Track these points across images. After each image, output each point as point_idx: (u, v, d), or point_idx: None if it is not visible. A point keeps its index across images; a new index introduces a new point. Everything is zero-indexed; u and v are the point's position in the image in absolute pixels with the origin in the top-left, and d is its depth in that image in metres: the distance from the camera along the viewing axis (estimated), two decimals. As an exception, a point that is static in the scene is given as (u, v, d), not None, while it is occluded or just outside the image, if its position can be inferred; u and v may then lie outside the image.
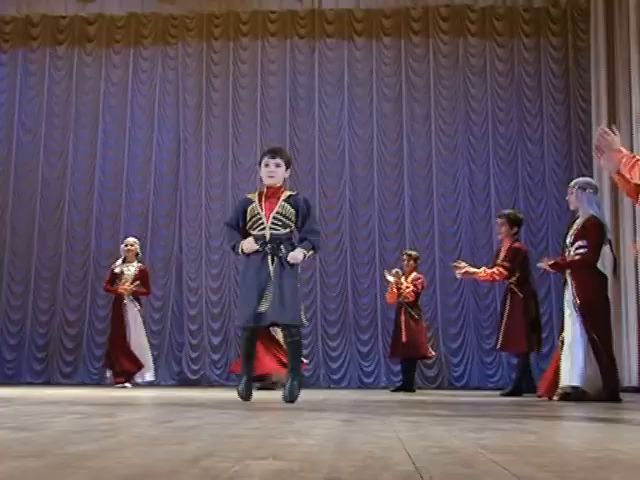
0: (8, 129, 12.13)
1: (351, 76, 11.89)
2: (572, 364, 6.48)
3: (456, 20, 11.87)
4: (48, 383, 11.16)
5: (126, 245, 10.01)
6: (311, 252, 5.44)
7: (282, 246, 5.31)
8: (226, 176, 11.74)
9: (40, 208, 11.91)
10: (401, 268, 9.55)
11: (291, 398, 5.24)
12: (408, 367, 9.54)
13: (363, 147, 11.74)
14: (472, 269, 8.34)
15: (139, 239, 10.30)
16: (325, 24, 12.01)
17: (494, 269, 8.20)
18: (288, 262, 5.27)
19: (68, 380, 11.29)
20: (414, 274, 9.49)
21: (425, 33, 11.92)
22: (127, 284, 9.79)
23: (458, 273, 8.39)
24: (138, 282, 9.86)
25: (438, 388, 10.82)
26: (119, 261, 10.00)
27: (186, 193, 11.73)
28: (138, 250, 10.07)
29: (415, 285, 9.36)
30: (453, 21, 11.89)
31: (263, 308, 5.18)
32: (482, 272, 8.27)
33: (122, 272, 9.91)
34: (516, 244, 8.37)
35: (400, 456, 1.84)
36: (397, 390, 9.30)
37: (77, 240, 11.86)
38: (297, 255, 5.28)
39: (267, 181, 5.50)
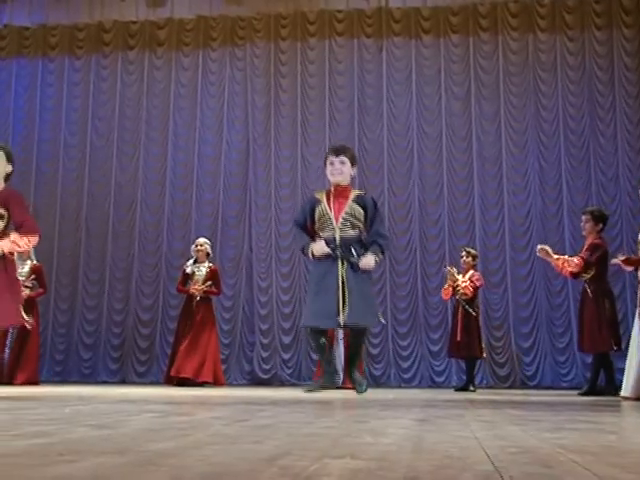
0: (82, 134, 12.40)
1: (419, 74, 11.84)
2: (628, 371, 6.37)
3: (525, 16, 11.73)
4: (123, 382, 11.37)
5: (197, 246, 10.07)
6: (381, 256, 5.40)
7: (353, 249, 5.26)
8: (295, 176, 11.80)
9: (113, 210, 12.14)
10: (459, 265, 9.50)
11: (361, 389, 5.24)
12: (467, 366, 9.49)
13: (432, 146, 11.67)
14: (552, 252, 8.10)
15: (209, 239, 10.38)
16: (392, 22, 11.98)
17: (573, 257, 8.03)
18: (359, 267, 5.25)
19: (142, 379, 11.48)
20: (471, 271, 9.40)
21: (494, 30, 11.79)
22: (198, 285, 9.87)
23: (539, 249, 8.14)
24: (210, 282, 9.93)
25: (510, 387, 10.69)
26: (190, 261, 10.08)
27: (255, 193, 11.82)
28: (209, 250, 10.12)
29: (472, 281, 9.27)
30: (522, 17, 11.74)
31: (337, 311, 5.16)
32: (559, 258, 8.04)
33: (193, 272, 9.98)
34: (597, 240, 8.20)
35: (478, 456, 1.83)
36: (460, 389, 9.23)
37: (149, 241, 12.05)
38: (370, 262, 5.24)
39: (333, 179, 5.47)
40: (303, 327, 5.44)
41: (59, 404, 4.47)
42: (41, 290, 9.69)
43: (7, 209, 5.57)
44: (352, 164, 5.53)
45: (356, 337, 5.35)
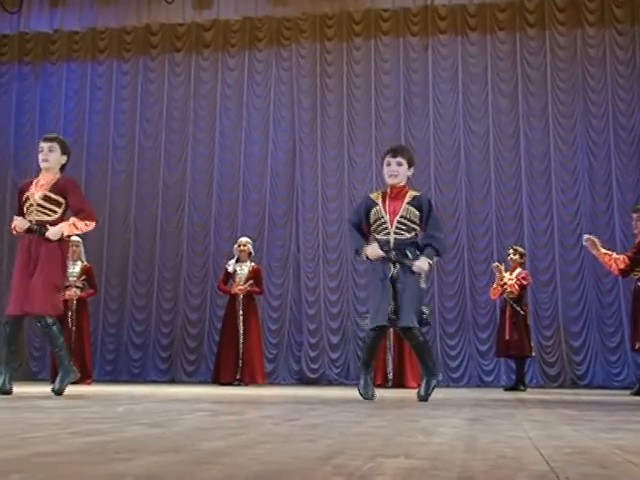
0: (130, 136, 12.53)
1: (465, 72, 11.76)
2: None
3: (573, 10, 11.58)
4: (172, 381, 11.46)
5: (239, 245, 10.12)
6: (435, 260, 5.38)
7: (408, 252, 5.24)
8: (342, 176, 11.79)
9: (161, 211, 12.25)
10: (506, 264, 9.41)
11: (424, 396, 5.22)
12: (516, 365, 9.41)
13: (479, 143, 11.58)
14: (599, 245, 7.92)
15: (252, 239, 10.42)
16: (438, 20, 11.91)
17: (619, 256, 7.89)
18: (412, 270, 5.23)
19: (191, 378, 11.56)
20: (519, 269, 9.31)
21: (541, 25, 11.66)
22: (241, 284, 9.92)
23: (587, 238, 7.98)
24: (251, 282, 9.97)
25: (560, 387, 10.57)
26: (232, 261, 10.13)
27: (302, 193, 11.84)
28: (251, 250, 10.16)
29: (519, 280, 9.18)
30: (570, 11, 11.60)
31: (390, 312, 5.15)
32: (606, 254, 7.86)
33: (235, 271, 10.03)
34: (648, 238, 8.04)
35: (532, 456, 1.81)
36: (509, 389, 9.15)
37: (197, 241, 12.13)
38: (422, 266, 5.20)
39: (390, 180, 5.42)
40: (369, 330, 5.38)
41: (111, 403, 4.52)
42: (91, 291, 9.81)
43: (65, 197, 5.75)
44: (409, 165, 5.48)
45: (410, 339, 5.33)
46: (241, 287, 9.86)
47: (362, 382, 5.41)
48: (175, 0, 11.83)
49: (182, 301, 11.98)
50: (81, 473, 1.46)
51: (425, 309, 5.34)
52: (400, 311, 5.15)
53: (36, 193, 5.73)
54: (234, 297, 9.94)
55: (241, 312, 9.86)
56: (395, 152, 5.49)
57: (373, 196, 5.55)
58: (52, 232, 5.61)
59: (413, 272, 5.21)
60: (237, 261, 10.09)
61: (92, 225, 5.86)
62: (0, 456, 1.70)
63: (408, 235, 5.29)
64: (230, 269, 10.02)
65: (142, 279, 12.19)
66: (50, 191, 5.71)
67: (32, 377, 11.63)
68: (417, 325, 5.24)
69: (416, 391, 5.61)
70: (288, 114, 12.13)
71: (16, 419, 3.01)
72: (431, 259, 5.27)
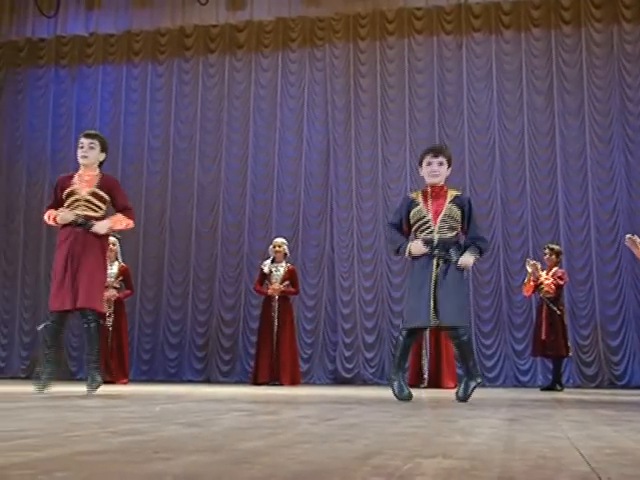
0: (165, 137, 12.62)
1: (500, 70, 11.68)
2: None
3: (609, 6, 11.46)
4: (208, 381, 11.52)
5: (274, 246, 10.15)
6: (478, 257, 5.38)
7: (451, 251, 5.24)
8: (376, 175, 11.78)
9: (196, 211, 12.32)
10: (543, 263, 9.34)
11: (463, 397, 5.20)
12: (553, 365, 9.33)
13: (514, 142, 11.50)
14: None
15: (287, 239, 10.45)
16: (472, 18, 11.85)
17: None
18: (457, 266, 5.22)
19: (226, 378, 11.61)
20: (555, 268, 9.23)
21: (576, 22, 11.55)
22: (276, 284, 9.94)
23: (628, 237, 7.87)
24: (287, 282, 10.00)
25: (597, 387, 10.47)
26: (268, 261, 10.16)
27: (337, 193, 11.84)
28: (286, 250, 10.19)
29: (555, 279, 9.09)
30: (606, 8, 11.48)
31: (432, 311, 5.14)
32: None
33: (271, 272, 10.06)
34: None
35: (573, 456, 1.80)
36: (546, 389, 9.08)
37: (231, 242, 12.18)
38: (468, 261, 5.22)
39: (430, 180, 5.43)
40: (403, 329, 5.36)
41: (149, 402, 4.55)
42: (128, 291, 9.90)
43: (110, 194, 5.82)
44: (449, 165, 5.50)
45: (454, 338, 5.31)
46: (276, 288, 9.89)
47: (396, 384, 5.37)
48: (209, 2, 11.88)
49: (217, 301, 12.03)
50: (122, 472, 1.47)
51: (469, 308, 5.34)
52: (444, 310, 5.13)
53: (82, 189, 5.78)
54: (269, 298, 9.97)
55: (276, 313, 9.89)
56: (436, 152, 5.50)
57: (413, 195, 5.55)
58: (100, 225, 5.68)
59: (457, 270, 5.23)
60: (272, 262, 10.12)
61: (132, 224, 5.94)
62: (44, 454, 1.72)
63: (451, 234, 5.31)
64: (266, 270, 10.05)
65: (177, 280, 12.26)
66: (97, 187, 5.78)
67: (71, 377, 11.75)
68: (463, 324, 5.24)
69: (453, 391, 5.58)
70: (322, 114, 12.13)
71: (58, 418, 3.04)
72: (476, 256, 5.28)
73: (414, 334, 5.41)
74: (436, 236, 5.28)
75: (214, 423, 2.84)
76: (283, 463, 1.64)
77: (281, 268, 10.05)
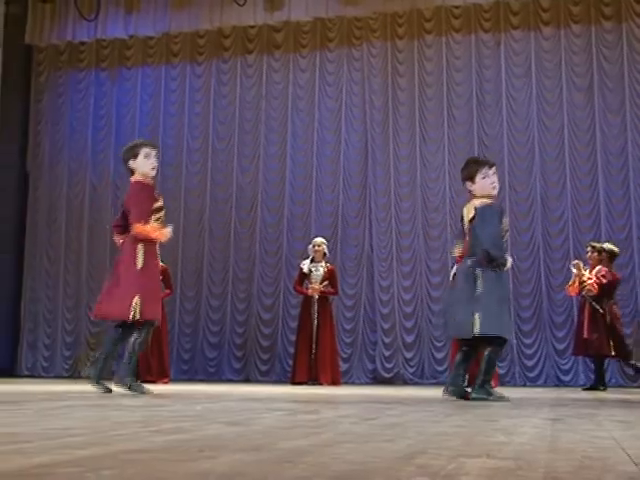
0: (204, 138, 12.69)
1: (539, 67, 11.58)
2: None
3: (651, 2, 11.31)
4: (247, 380, 11.57)
5: (314, 246, 10.17)
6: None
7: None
8: (414, 175, 11.74)
9: (235, 212, 12.37)
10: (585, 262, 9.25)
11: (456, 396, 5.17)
12: (595, 365, 9.24)
13: (554, 140, 11.40)
14: None
15: (326, 239, 10.46)
16: (510, 15, 11.76)
17: None
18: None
19: (265, 378, 11.65)
20: (599, 267, 9.13)
21: (617, 18, 11.41)
22: (316, 284, 9.96)
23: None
24: (327, 282, 10.01)
25: (641, 387, 10.35)
26: (307, 261, 10.18)
27: (375, 192, 11.82)
28: (326, 250, 10.21)
29: (598, 278, 9.00)
30: (648, 3, 11.33)
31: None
32: None
33: (310, 272, 10.08)
34: None
35: (619, 456, 1.78)
36: (588, 389, 8.99)
37: (270, 242, 12.22)
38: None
39: (493, 192, 5.39)
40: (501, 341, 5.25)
41: (190, 401, 4.59)
42: (168, 291, 9.97)
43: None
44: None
45: (488, 350, 5.32)
46: (316, 288, 9.91)
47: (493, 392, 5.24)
48: (247, 3, 11.93)
49: (255, 301, 12.08)
50: (168, 470, 1.49)
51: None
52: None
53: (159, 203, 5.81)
54: (309, 298, 10.00)
55: (315, 313, 9.92)
56: (492, 164, 5.48)
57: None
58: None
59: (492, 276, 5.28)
60: (312, 261, 10.14)
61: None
62: (90, 453, 1.74)
63: None
64: (305, 269, 10.08)
65: (216, 279, 12.33)
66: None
67: (112, 376, 11.86)
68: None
69: (499, 390, 5.53)
70: (360, 114, 12.12)
71: (101, 417, 3.08)
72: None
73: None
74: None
75: (255, 422, 2.85)
76: (327, 462, 1.64)
77: (320, 268, 10.07)
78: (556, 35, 11.59)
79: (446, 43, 11.94)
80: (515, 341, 10.93)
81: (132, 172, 5.81)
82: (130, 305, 5.48)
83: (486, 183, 5.34)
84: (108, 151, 12.99)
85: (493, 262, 5.14)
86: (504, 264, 5.24)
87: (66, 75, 13.44)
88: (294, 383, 9.73)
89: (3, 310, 12.70)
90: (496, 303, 5.19)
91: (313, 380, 9.69)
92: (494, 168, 5.41)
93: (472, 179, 5.37)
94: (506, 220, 5.41)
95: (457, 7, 11.92)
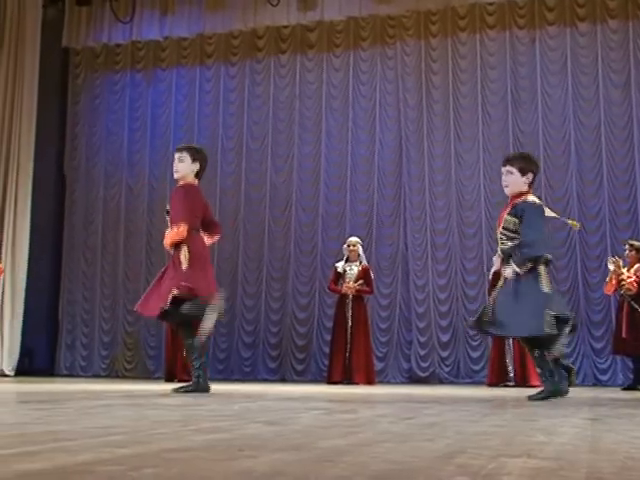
0: (238, 138, 12.74)
1: (575, 64, 11.47)
2: None
3: (690, -5, 11.16)
4: (282, 380, 11.59)
5: (348, 245, 10.18)
6: (523, 267, 5.16)
7: (511, 260, 5.18)
8: (449, 173, 11.69)
9: (269, 211, 12.40)
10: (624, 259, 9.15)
11: (532, 398, 5.13)
12: (634, 364, 9.13)
13: (590, 137, 11.28)
14: None
15: (361, 238, 10.45)
16: (545, 12, 11.67)
17: None
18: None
19: (301, 377, 11.66)
20: (637, 265, 9.03)
21: (656, 12, 11.28)
22: (350, 283, 9.97)
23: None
24: (361, 281, 10.01)
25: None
26: (341, 262, 10.21)
27: (410, 191, 11.79)
28: (360, 250, 10.21)
29: (637, 276, 8.89)
30: (685, -3, 11.18)
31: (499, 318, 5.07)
32: None
33: (345, 271, 10.09)
34: None
35: (661, 457, 1.76)
36: (627, 388, 8.89)
37: (304, 241, 12.23)
38: (508, 274, 5.17)
39: (505, 191, 5.35)
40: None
41: (227, 401, 4.61)
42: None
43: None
44: (522, 173, 5.29)
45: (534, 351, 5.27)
46: (351, 286, 9.92)
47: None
48: (280, 3, 11.96)
49: (290, 300, 12.10)
50: (210, 469, 1.50)
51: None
52: (514, 319, 5.12)
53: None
54: (343, 297, 10.02)
55: (350, 312, 9.92)
56: (504, 162, 5.37)
57: None
58: None
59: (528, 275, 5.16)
60: (346, 261, 10.15)
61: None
62: (131, 451, 1.76)
63: (510, 243, 5.21)
64: (339, 269, 10.10)
65: (251, 279, 12.37)
66: None
67: (149, 375, 11.97)
68: (540, 332, 5.18)
69: (539, 389, 5.49)
70: (394, 112, 12.10)
71: (140, 416, 3.10)
72: (519, 267, 5.15)
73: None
74: (499, 246, 5.30)
75: (294, 421, 2.86)
76: (366, 462, 1.64)
77: (355, 267, 10.08)
78: (592, 31, 11.47)
79: (480, 40, 11.87)
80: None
81: None
82: (166, 297, 5.54)
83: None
84: (144, 152, 13.10)
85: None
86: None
87: (102, 77, 13.56)
88: (330, 383, 9.74)
89: (42, 311, 12.83)
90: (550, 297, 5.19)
91: (348, 380, 9.69)
92: (508, 167, 5.30)
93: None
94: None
95: (491, 4, 11.85)
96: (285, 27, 12.69)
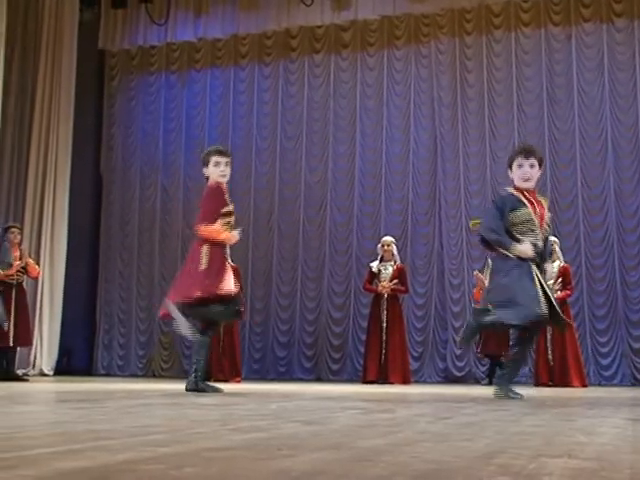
0: (272, 138, 12.77)
1: (611, 60, 11.34)
2: None
3: None
4: (318, 379, 11.60)
5: (383, 245, 10.18)
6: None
7: (547, 256, 5.19)
8: (484, 171, 11.62)
9: (304, 211, 12.41)
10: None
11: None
12: None
13: (628, 134, 11.15)
14: None
15: (396, 238, 10.43)
16: (581, 8, 11.55)
17: None
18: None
19: (337, 377, 11.66)
20: None
21: (695, 7, 11.12)
22: (385, 283, 9.96)
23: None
24: (396, 281, 10.00)
25: None
26: (375, 262, 10.21)
27: (445, 190, 11.74)
28: (394, 250, 10.20)
29: None
30: None
31: (543, 308, 5.00)
32: None
33: (379, 271, 10.09)
34: None
35: None
36: None
37: (339, 241, 12.23)
38: (550, 271, 5.18)
39: (522, 185, 5.23)
40: (515, 325, 5.14)
41: (264, 400, 4.63)
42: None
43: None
44: (540, 166, 5.32)
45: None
46: (386, 285, 9.91)
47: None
48: (314, 3, 11.97)
49: (325, 300, 12.11)
50: (250, 468, 1.51)
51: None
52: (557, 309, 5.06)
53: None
54: (379, 296, 10.01)
55: (385, 311, 9.91)
56: (528, 153, 5.28)
57: (516, 194, 5.29)
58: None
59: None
60: (381, 261, 10.14)
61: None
62: (171, 450, 1.77)
63: (550, 238, 5.26)
64: (374, 269, 10.10)
65: (286, 279, 12.39)
66: None
67: (185, 375, 12.02)
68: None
69: (579, 390, 5.46)
70: (428, 111, 12.05)
71: (179, 415, 3.13)
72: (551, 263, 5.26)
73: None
74: (541, 242, 5.15)
75: (331, 421, 2.87)
76: (406, 461, 1.64)
77: (390, 267, 10.07)
78: (629, 27, 11.34)
79: (515, 38, 11.78)
80: (589, 340, 10.75)
81: (207, 177, 5.99)
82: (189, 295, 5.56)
83: (517, 173, 5.26)
84: (179, 153, 13.18)
85: (495, 241, 5.21)
86: (500, 244, 5.19)
87: (137, 79, 13.68)
88: (365, 382, 9.73)
89: (80, 312, 12.97)
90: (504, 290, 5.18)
91: (383, 379, 9.68)
92: (532, 160, 5.25)
93: (510, 167, 5.32)
94: (525, 210, 5.25)
95: (526, 1, 11.77)
96: (319, 27, 12.70)
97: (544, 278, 5.14)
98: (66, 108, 12.39)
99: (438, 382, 11.04)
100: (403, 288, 10.09)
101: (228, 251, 5.96)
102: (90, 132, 13.38)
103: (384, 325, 9.89)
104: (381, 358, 9.81)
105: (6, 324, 8.13)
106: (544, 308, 4.97)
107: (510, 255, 5.10)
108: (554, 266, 9.38)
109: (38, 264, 10.58)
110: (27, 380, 9.46)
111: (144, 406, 3.86)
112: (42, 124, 12.26)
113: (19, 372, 10.05)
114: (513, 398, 5.06)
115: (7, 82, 11.60)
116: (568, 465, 1.57)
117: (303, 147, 12.60)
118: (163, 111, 13.44)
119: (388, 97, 12.26)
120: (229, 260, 9.85)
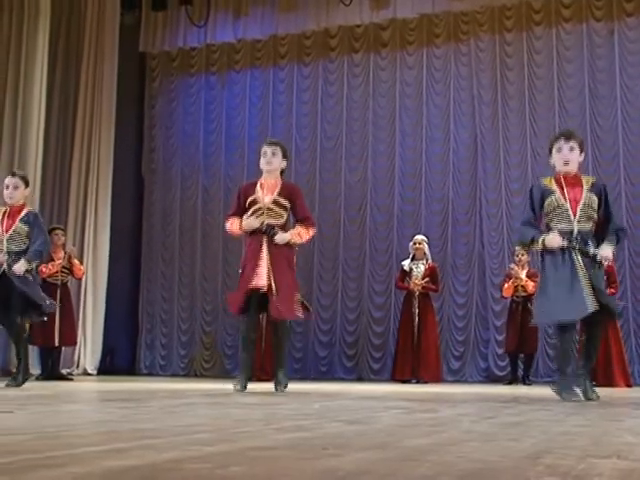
0: (312, 138, 12.78)
1: (656, 55, 11.19)
2: None
3: None
4: (359, 379, 11.59)
5: (414, 243, 10.21)
6: (615, 248, 5.10)
7: (590, 242, 4.98)
8: (525, 169, 11.52)
9: (344, 211, 12.41)
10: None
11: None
12: None
13: (674, 129, 10.99)
14: None
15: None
16: (624, 2, 11.39)
17: None
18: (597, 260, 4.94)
19: (378, 376, 11.64)
20: None
21: None
22: (417, 280, 10.00)
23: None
24: (427, 279, 10.01)
25: None
26: (407, 261, 10.23)
27: (485, 189, 11.66)
28: (426, 249, 10.21)
29: None
30: None
31: (580, 302, 4.84)
32: None
33: (411, 269, 10.12)
34: None
35: None
36: None
37: (380, 240, 12.21)
38: (609, 254, 4.96)
39: (561, 168, 5.17)
40: (543, 324, 5.11)
41: (307, 400, 4.63)
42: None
43: (291, 202, 5.94)
44: (581, 150, 5.22)
45: (599, 331, 5.11)
46: (417, 282, 9.95)
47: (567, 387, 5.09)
48: (352, 2, 11.96)
49: (366, 299, 12.09)
50: (295, 468, 1.51)
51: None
52: (598, 297, 4.85)
53: (265, 197, 5.90)
54: (410, 294, 10.06)
55: (417, 309, 9.94)
56: (567, 136, 5.21)
57: (546, 182, 5.24)
58: (280, 237, 5.77)
59: (595, 262, 4.95)
60: (413, 259, 10.18)
61: (313, 233, 6.01)
62: (216, 449, 1.78)
63: (588, 225, 5.04)
64: (406, 267, 10.15)
65: (327, 278, 12.40)
66: (279, 195, 5.90)
67: (226, 375, 12.09)
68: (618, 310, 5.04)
69: (623, 390, 5.36)
70: (468, 109, 11.98)
71: (223, 415, 3.14)
72: (614, 247, 5.03)
73: (570, 328, 5.07)
74: (576, 227, 5.01)
75: (375, 420, 2.86)
76: (452, 461, 1.63)
77: (422, 265, 10.13)
78: (675, 21, 11.17)
79: (556, 34, 11.66)
80: (633, 340, 10.61)
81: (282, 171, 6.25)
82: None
83: (557, 157, 5.18)
84: (219, 153, 13.25)
85: (520, 243, 5.36)
86: (529, 243, 5.18)
87: (178, 80, 13.77)
88: (395, 380, 9.76)
89: (123, 312, 13.11)
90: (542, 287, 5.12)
91: (415, 378, 9.70)
92: (572, 142, 5.17)
93: (550, 152, 5.26)
94: (554, 197, 5.15)
95: (567, -3, 11.65)
96: (358, 26, 12.68)
97: (594, 264, 4.96)
98: (108, 111, 12.53)
99: (480, 382, 10.98)
100: (434, 287, 10.12)
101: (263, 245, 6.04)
102: (131, 134, 13.51)
103: (416, 323, 9.91)
104: (412, 356, 9.84)
105: (53, 305, 8.16)
106: (576, 310, 4.82)
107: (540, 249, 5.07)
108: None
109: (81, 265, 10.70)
110: (71, 379, 9.59)
111: (187, 405, 3.89)
112: (85, 127, 12.40)
113: (64, 371, 10.19)
114: (564, 399, 4.94)
115: (51, 86, 11.77)
116: (617, 466, 1.56)
117: (343, 147, 12.59)
118: (203, 112, 13.52)
119: (427, 96, 12.21)
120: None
